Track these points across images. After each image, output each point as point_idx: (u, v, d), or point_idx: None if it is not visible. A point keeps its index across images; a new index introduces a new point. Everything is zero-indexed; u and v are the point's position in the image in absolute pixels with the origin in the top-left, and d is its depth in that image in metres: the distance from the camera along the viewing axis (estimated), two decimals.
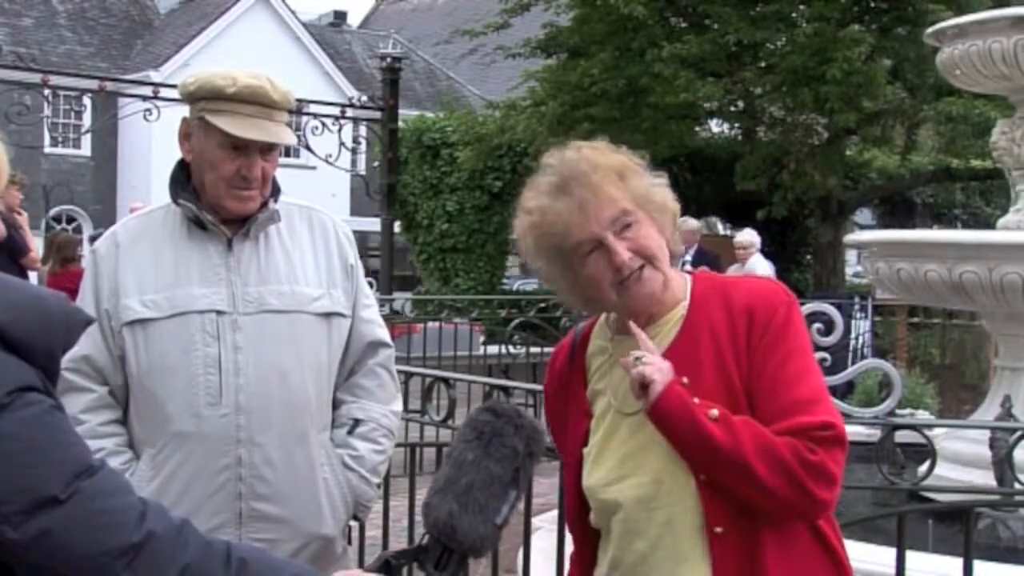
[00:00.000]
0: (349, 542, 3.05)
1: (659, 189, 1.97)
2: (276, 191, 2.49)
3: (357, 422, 2.53)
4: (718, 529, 1.86)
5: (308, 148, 8.61)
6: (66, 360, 2.29)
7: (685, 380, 1.86)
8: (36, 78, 8.16)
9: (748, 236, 11.49)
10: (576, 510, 2.06)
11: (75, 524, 1.37)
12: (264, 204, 2.44)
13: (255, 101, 2.36)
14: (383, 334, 2.63)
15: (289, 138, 2.45)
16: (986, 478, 4.01)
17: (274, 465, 2.37)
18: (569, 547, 2.21)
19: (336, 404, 2.55)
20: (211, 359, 2.35)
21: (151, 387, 2.36)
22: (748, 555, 1.86)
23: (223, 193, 2.39)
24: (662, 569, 1.90)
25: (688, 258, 10.59)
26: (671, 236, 1.97)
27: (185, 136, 2.44)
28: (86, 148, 30.03)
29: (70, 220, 29.44)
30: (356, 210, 30.17)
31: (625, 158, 1.96)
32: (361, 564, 3.03)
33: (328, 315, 2.47)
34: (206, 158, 2.39)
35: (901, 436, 3.25)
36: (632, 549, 1.93)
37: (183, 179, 2.46)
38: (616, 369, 1.97)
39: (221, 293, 2.39)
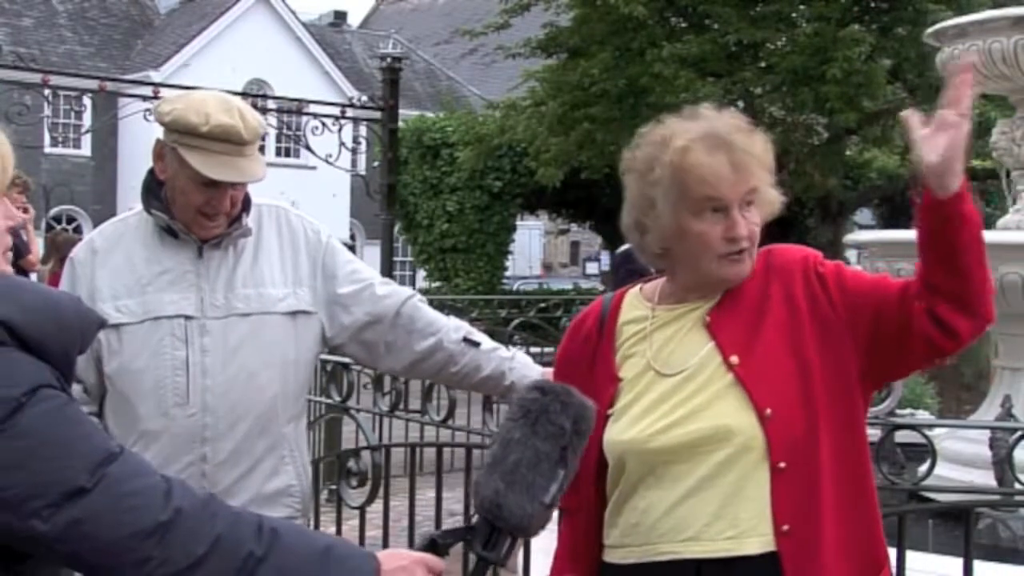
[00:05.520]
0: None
1: (773, 188, 2.00)
2: (247, 202, 2.54)
3: (469, 340, 2.65)
4: (782, 464, 1.89)
5: (308, 148, 8.59)
6: None
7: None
8: (36, 78, 8.12)
9: None
10: (594, 470, 2.05)
11: (103, 510, 1.40)
12: (237, 218, 2.51)
13: (227, 139, 2.40)
14: (403, 291, 2.70)
15: (259, 173, 2.47)
16: (986, 478, 4.00)
17: (237, 460, 2.47)
18: None
19: (432, 352, 2.64)
20: (179, 362, 2.45)
21: (122, 388, 2.47)
22: (807, 489, 1.89)
23: (190, 219, 2.48)
24: (708, 508, 1.91)
25: None
26: None
27: (159, 157, 2.50)
28: (86, 148, 30.01)
29: (70, 220, 29.45)
30: (356, 210, 30.18)
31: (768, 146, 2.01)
32: None
33: (294, 314, 2.54)
34: (177, 186, 2.46)
35: (901, 436, 3.24)
36: (672, 494, 1.94)
37: (155, 188, 2.52)
38: (656, 335, 2.02)
39: (190, 298, 2.47)
